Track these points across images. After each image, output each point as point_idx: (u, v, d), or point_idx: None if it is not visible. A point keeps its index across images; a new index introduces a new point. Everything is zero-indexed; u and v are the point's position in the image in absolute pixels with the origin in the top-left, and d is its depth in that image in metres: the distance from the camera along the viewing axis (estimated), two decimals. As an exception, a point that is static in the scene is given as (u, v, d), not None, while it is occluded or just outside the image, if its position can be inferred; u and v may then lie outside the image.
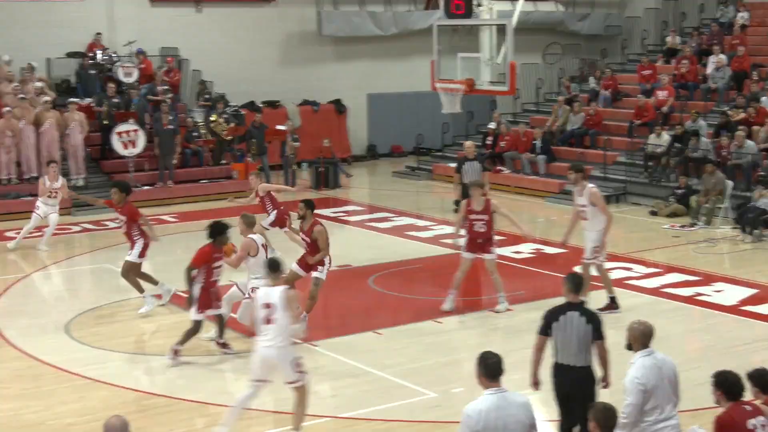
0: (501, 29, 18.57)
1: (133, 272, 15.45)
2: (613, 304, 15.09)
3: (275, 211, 18.13)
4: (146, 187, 25.22)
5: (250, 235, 13.54)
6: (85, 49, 27.95)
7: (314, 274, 14.45)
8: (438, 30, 19.64)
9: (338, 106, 32.32)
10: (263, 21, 31.24)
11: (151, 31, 28.93)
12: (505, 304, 15.41)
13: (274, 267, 10.55)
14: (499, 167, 27.39)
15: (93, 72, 27.08)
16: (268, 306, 10.23)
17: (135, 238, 15.40)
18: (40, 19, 27.74)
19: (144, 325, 15.12)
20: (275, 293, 10.29)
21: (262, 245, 13.59)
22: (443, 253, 19.64)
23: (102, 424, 6.90)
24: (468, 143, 20.97)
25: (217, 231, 13.08)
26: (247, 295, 13.55)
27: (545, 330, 9.38)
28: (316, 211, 14.49)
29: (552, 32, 34.58)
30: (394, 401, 11.72)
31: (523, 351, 13.09)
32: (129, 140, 24.99)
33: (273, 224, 18.11)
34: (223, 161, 26.77)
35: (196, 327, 13.10)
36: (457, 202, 23.35)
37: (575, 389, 9.20)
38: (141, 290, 15.48)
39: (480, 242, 15.18)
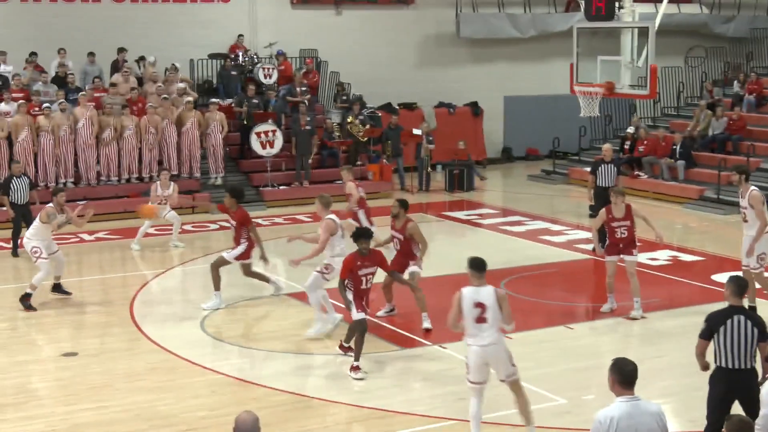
0: (643, 32, 18.16)
1: (219, 266, 15.87)
2: None
3: (362, 210, 18.47)
4: (282, 187, 25.54)
5: (329, 216, 13.92)
6: (227, 50, 28.48)
7: (411, 268, 14.75)
8: (578, 32, 19.34)
9: (474, 109, 32.18)
10: (401, 23, 31.37)
11: (291, 32, 29.31)
12: (640, 311, 15.14)
13: (480, 267, 10.45)
14: (637, 172, 26.89)
15: (234, 73, 27.55)
16: (479, 305, 10.24)
17: (241, 242, 15.76)
18: (184, 21, 28.46)
19: (274, 323, 15.28)
20: (485, 293, 10.29)
21: (340, 226, 14.07)
22: (577, 258, 19.47)
23: (233, 418, 6.97)
24: (606, 146, 20.41)
25: (357, 236, 12.87)
26: (319, 269, 14.04)
27: (709, 334, 9.28)
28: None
29: (695, 35, 33.77)
30: (523, 406, 11.64)
31: (657, 359, 13.01)
32: (267, 140, 25.37)
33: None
34: (359, 162, 26.95)
35: (361, 326, 12.72)
36: (592, 207, 23.03)
37: (740, 391, 9.14)
38: (218, 287, 15.85)
39: (621, 246, 15.15)
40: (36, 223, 16.26)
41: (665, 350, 13.93)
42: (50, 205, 16.25)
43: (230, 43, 28.59)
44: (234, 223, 15.78)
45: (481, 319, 10.20)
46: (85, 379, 12.62)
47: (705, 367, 9.53)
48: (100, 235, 21.49)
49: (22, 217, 19.68)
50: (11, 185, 19.69)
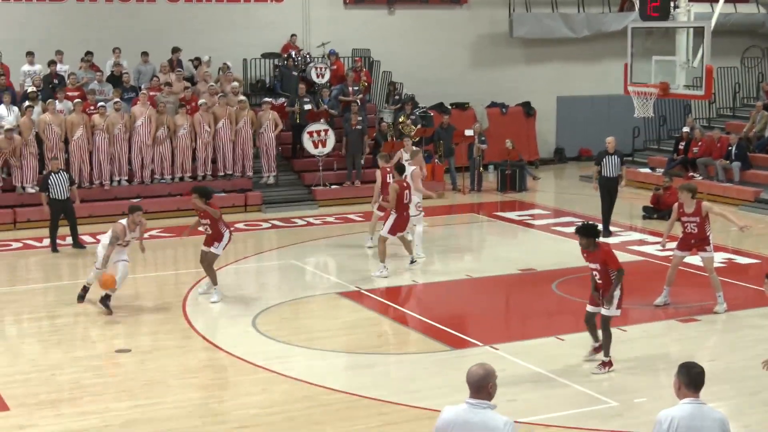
0: (698, 32, 17.99)
1: (212, 263, 16.29)
2: None
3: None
4: (334, 187, 25.60)
5: None
6: (280, 50, 28.57)
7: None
8: (632, 32, 19.18)
9: (527, 109, 32.01)
10: (454, 23, 31.28)
11: (343, 32, 29.33)
12: (724, 305, 15.28)
13: None
14: (691, 173, 26.61)
15: (295, 73, 27.49)
16: None
17: (223, 233, 16.15)
18: (238, 21, 28.54)
19: (325, 322, 15.28)
20: None
21: None
22: (630, 260, 19.14)
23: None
24: (609, 138, 20.91)
25: (587, 233, 12.76)
26: None
27: None
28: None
29: (753, 35, 33.29)
30: (573, 408, 11.48)
31: (711, 363, 12.85)
32: (319, 140, 25.43)
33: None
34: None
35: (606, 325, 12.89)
36: (645, 209, 22.90)
37: None
38: (215, 281, 16.34)
39: (693, 242, 15.33)
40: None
41: (719, 354, 13.79)
42: (123, 222, 15.94)
43: (283, 43, 28.63)
44: (207, 220, 16.09)
45: None
46: (139, 375, 12.70)
47: None
48: (153, 233, 21.52)
49: (63, 212, 20.05)
50: (50, 181, 19.95)
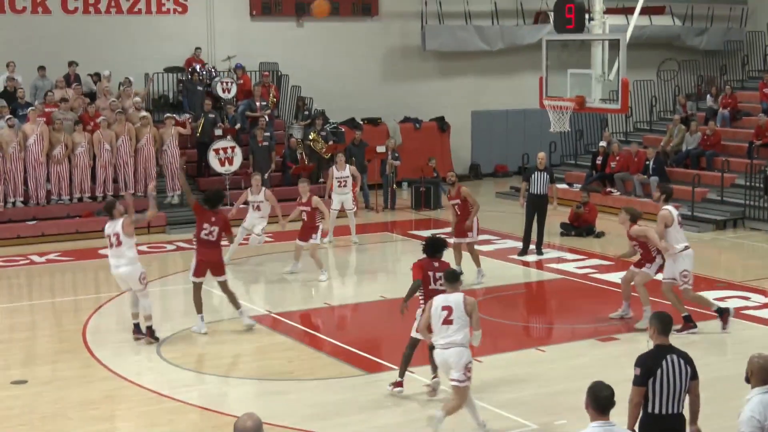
0: (614, 44, 17.87)
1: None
2: (689, 323, 14.93)
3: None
4: (243, 206, 24.71)
5: None
6: (184, 63, 27.74)
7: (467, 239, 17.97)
8: (547, 45, 18.99)
9: (441, 124, 31.58)
10: (365, 35, 30.78)
11: (250, 45, 28.65)
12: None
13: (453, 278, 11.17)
14: (609, 189, 26.40)
15: (200, 88, 26.72)
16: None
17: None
18: (139, 33, 27.63)
19: (235, 347, 14.75)
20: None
21: None
22: (548, 278, 19.09)
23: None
24: (540, 154, 20.83)
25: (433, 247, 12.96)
26: None
27: (646, 380, 8.40)
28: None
29: (668, 47, 33.40)
30: None
31: (629, 383, 12.40)
32: (226, 157, 24.65)
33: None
34: (321, 180, 26.23)
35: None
36: (563, 225, 22.62)
37: None
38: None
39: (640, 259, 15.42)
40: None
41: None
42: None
43: (187, 56, 27.77)
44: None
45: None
46: (37, 408, 12.15)
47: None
48: (51, 257, 20.77)
49: None
50: None
